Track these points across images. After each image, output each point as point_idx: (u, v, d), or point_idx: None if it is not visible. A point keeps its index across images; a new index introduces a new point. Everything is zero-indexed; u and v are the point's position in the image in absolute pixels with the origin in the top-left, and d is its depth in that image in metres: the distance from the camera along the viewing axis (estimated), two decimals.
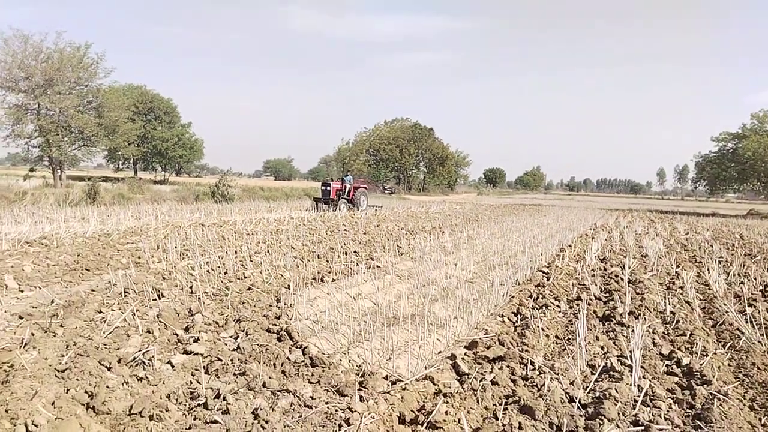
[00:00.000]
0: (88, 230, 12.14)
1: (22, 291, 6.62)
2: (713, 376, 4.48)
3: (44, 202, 18.72)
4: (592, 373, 4.58)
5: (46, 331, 5.08)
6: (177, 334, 5.18)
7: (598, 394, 4.11)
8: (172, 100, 53.77)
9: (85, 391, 3.82)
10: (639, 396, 4.01)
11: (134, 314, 5.55)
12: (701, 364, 4.77)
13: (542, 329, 5.78)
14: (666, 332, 6.02)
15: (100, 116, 28.68)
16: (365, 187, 26.58)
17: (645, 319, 6.31)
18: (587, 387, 4.26)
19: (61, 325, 5.20)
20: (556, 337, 5.81)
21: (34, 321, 5.39)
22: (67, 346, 4.69)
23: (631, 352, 4.89)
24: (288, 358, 4.64)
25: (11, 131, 25.92)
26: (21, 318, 5.51)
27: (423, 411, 3.85)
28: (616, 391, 4.02)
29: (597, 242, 13.84)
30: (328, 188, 23.70)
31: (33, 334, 4.97)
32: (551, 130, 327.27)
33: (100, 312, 5.72)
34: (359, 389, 4.06)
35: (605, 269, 10.04)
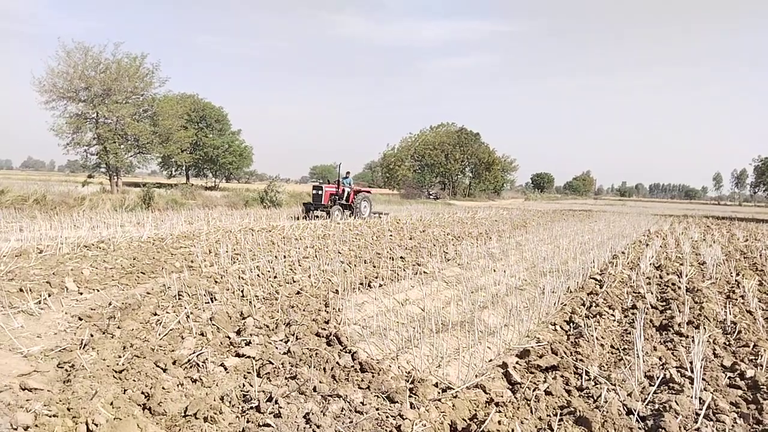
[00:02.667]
0: (144, 235, 12.51)
1: (81, 293, 6.85)
2: None
3: (101, 208, 19.42)
4: (651, 385, 4.41)
5: (104, 333, 5.26)
6: (229, 337, 5.27)
7: (657, 406, 3.95)
8: (223, 109, 55.24)
9: (142, 392, 3.92)
10: (701, 409, 3.83)
11: (188, 317, 5.68)
12: (767, 377, 4.54)
13: (596, 338, 5.62)
14: (727, 343, 5.76)
15: (154, 124, 29.60)
16: (368, 191, 23.50)
17: (705, 329, 6.05)
18: (646, 399, 4.10)
19: (118, 327, 5.36)
20: (611, 346, 5.63)
21: (92, 322, 5.59)
22: (124, 348, 4.84)
23: (691, 363, 4.71)
24: (338, 363, 4.65)
25: (71, 139, 27.03)
26: (80, 319, 5.72)
27: (475, 420, 3.78)
28: (677, 404, 3.85)
29: (651, 249, 13.41)
30: (320, 192, 20.51)
31: (92, 336, 5.15)
32: (602, 134, 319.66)
33: (156, 314, 5.87)
34: (409, 396, 4.03)
35: (661, 277, 9.71)
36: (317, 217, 20.09)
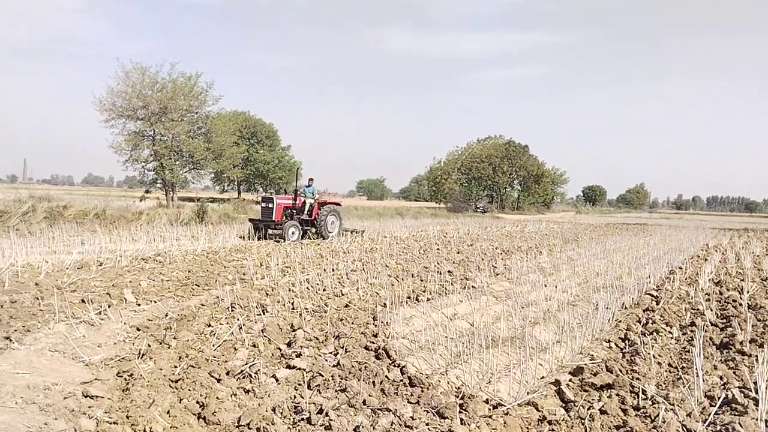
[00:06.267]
0: (198, 248, 12.88)
1: (139, 304, 7.10)
2: None
3: (158, 222, 20.04)
4: (711, 405, 4.23)
5: (161, 343, 5.43)
6: (280, 349, 5.35)
7: (719, 427, 3.79)
8: (273, 125, 56.44)
9: (197, 402, 4.02)
10: None
11: (241, 328, 5.81)
12: None
13: (653, 356, 5.43)
14: None
15: (208, 141, 30.44)
16: (337, 204, 18.87)
17: None
18: (706, 420, 3.94)
19: (174, 338, 5.53)
20: (669, 365, 5.44)
21: (150, 333, 5.78)
22: (180, 358, 4.98)
23: (755, 383, 4.50)
24: (387, 377, 4.65)
25: (130, 156, 28.10)
26: (138, 330, 5.92)
27: None
28: (740, 426, 3.68)
29: (710, 264, 12.90)
30: (271, 205, 16.33)
31: (149, 346, 5.32)
32: (656, 145, 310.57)
33: (210, 325, 6.03)
34: (460, 412, 3.99)
35: (721, 293, 9.32)
36: (270, 237, 16.56)
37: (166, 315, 6.51)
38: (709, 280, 10.75)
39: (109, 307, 6.66)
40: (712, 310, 7.73)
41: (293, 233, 16.04)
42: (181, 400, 4.07)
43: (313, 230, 17.42)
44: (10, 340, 5.11)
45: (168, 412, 3.82)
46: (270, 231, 16.67)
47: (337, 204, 18.85)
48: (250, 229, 16.98)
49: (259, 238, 16.41)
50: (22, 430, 3.42)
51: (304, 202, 17.28)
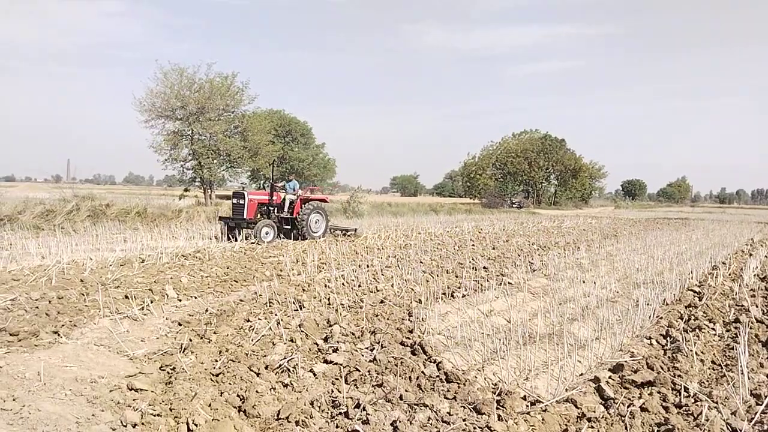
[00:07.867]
0: (236, 245, 13.09)
1: (180, 300, 7.28)
2: None
3: (197, 220, 20.44)
4: (758, 404, 4.11)
5: (201, 338, 5.56)
6: (317, 344, 5.41)
7: (766, 427, 3.69)
8: (307, 123, 57.03)
9: (237, 395, 4.11)
10: None
11: (278, 323, 5.89)
12: None
13: (696, 353, 5.30)
14: None
15: (244, 140, 30.87)
16: (323, 200, 16.93)
17: None
18: (752, 419, 3.84)
19: (214, 332, 5.66)
20: (712, 362, 5.30)
21: (191, 328, 5.92)
22: (220, 352, 5.09)
23: None
24: (423, 372, 4.66)
25: (169, 155, 28.70)
26: (180, 325, 6.08)
27: None
28: None
29: (756, 259, 12.49)
30: (242, 201, 14.46)
31: (191, 340, 5.46)
32: (698, 138, 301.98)
33: (248, 321, 6.14)
34: (497, 408, 3.97)
35: (767, 289, 9.04)
36: (247, 237, 14.31)
37: (206, 310, 6.65)
38: (755, 275, 10.43)
39: (151, 302, 6.84)
40: (757, 307, 7.50)
41: (267, 233, 14.33)
42: (222, 393, 4.17)
43: (292, 230, 15.55)
44: (59, 335, 5.31)
45: (209, 405, 3.92)
46: (248, 230, 14.55)
47: (323, 200, 16.98)
48: (222, 227, 14.98)
49: (228, 237, 14.57)
50: (72, 420, 3.56)
51: (284, 199, 15.67)
